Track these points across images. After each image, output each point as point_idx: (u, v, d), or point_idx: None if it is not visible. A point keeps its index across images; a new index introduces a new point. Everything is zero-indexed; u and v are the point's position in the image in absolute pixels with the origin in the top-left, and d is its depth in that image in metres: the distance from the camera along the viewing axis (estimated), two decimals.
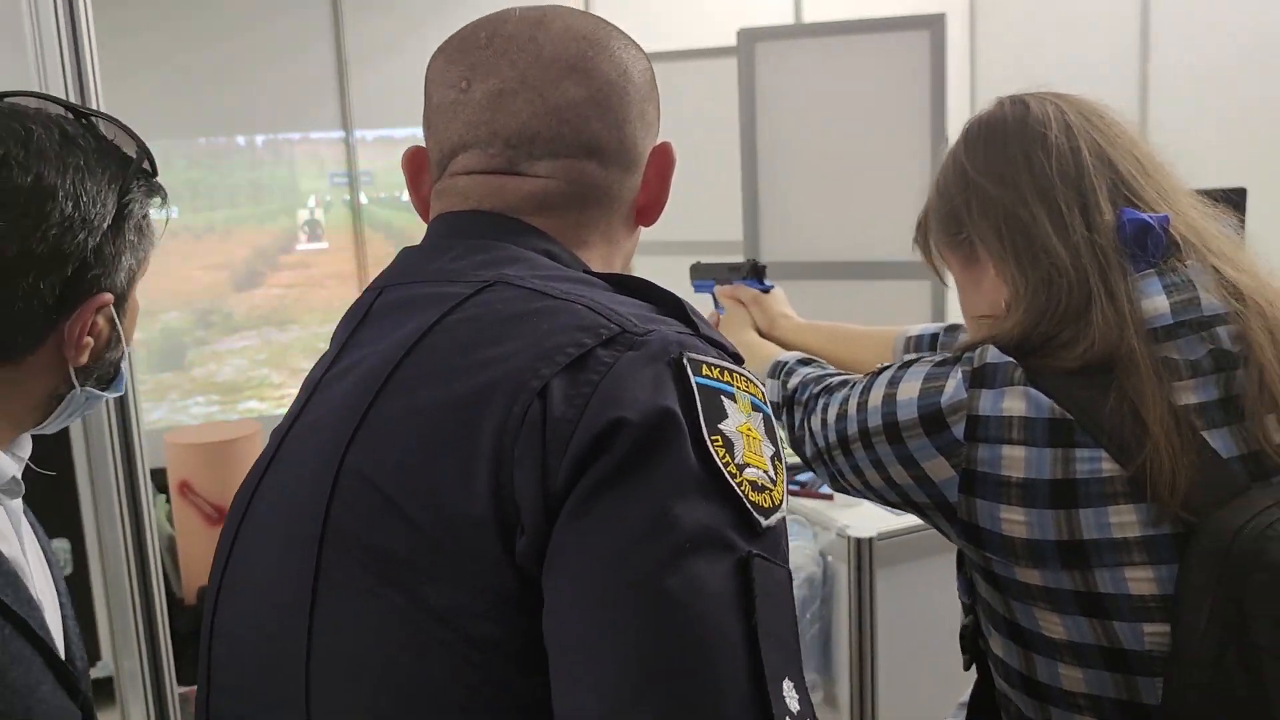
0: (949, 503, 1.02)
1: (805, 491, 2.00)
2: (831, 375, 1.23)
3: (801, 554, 1.88)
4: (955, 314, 1.26)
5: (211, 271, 4.10)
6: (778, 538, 0.66)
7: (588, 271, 0.82)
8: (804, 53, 3.50)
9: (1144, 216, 1.00)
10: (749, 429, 0.67)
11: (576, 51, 0.84)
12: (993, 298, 1.07)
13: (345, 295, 4.45)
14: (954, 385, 1.01)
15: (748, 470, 0.65)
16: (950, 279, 1.18)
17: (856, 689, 1.85)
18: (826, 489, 1.98)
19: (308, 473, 0.75)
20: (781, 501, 0.67)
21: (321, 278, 4.49)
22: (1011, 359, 0.99)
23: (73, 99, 1.61)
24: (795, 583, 1.84)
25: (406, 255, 0.88)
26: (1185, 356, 0.97)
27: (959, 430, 1.00)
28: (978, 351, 1.02)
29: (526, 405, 0.66)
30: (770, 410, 0.71)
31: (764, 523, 0.64)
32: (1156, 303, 0.98)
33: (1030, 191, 1.03)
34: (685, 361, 0.67)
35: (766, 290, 1.68)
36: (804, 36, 3.58)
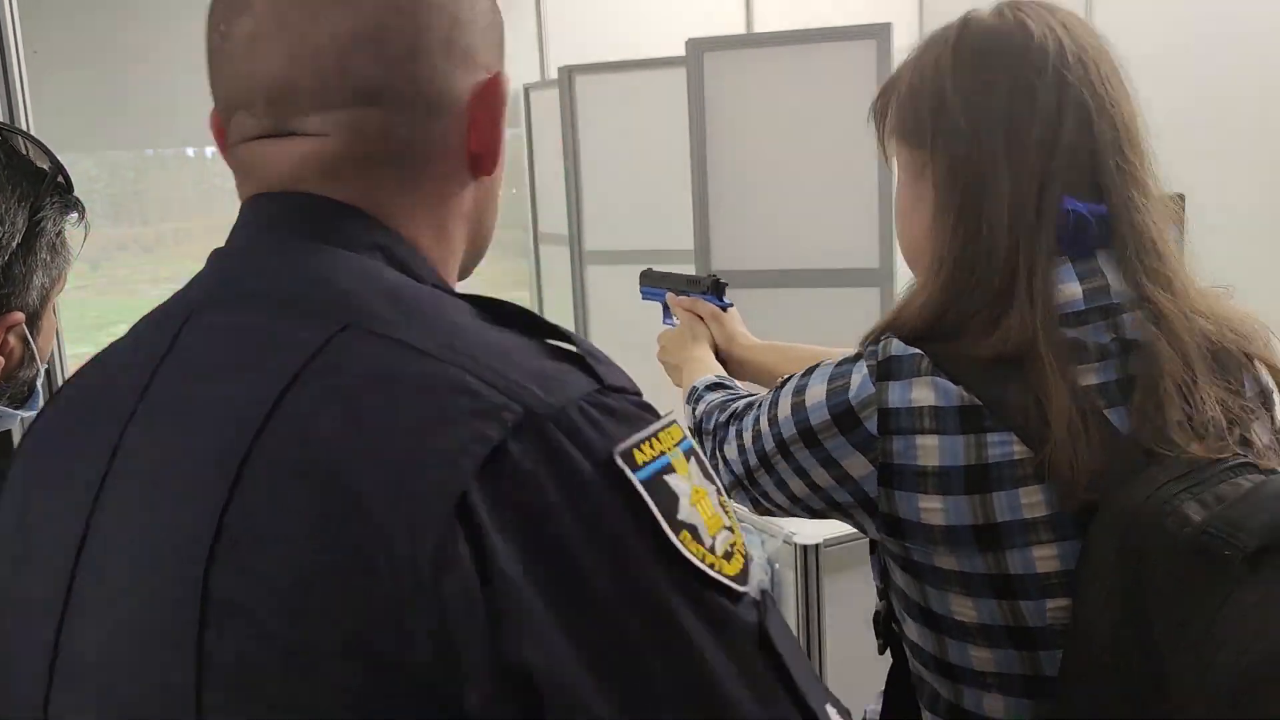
0: (870, 498, 1.03)
1: None
2: (736, 399, 1.24)
3: None
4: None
5: (161, 284, 4.06)
6: (765, 590, 0.60)
7: (439, 286, 0.70)
8: (752, 63, 3.52)
9: (1080, 208, 0.99)
10: (697, 492, 0.58)
11: None
12: (926, 227, 1.04)
13: None
14: (859, 380, 1.02)
15: (717, 543, 0.57)
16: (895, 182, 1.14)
17: None
18: None
19: (155, 580, 0.58)
20: (748, 551, 0.60)
21: None
22: (917, 350, 1.00)
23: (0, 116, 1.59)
24: None
25: (220, 263, 0.71)
26: (1093, 340, 0.98)
27: (872, 425, 1.00)
28: (880, 345, 1.03)
29: (444, 540, 0.52)
30: (693, 443, 0.63)
31: (746, 590, 0.57)
32: (1070, 289, 0.99)
33: (1000, 148, 0.99)
34: (619, 460, 0.56)
35: (725, 308, 1.67)
36: (752, 46, 3.61)
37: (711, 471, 0.62)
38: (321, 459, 0.56)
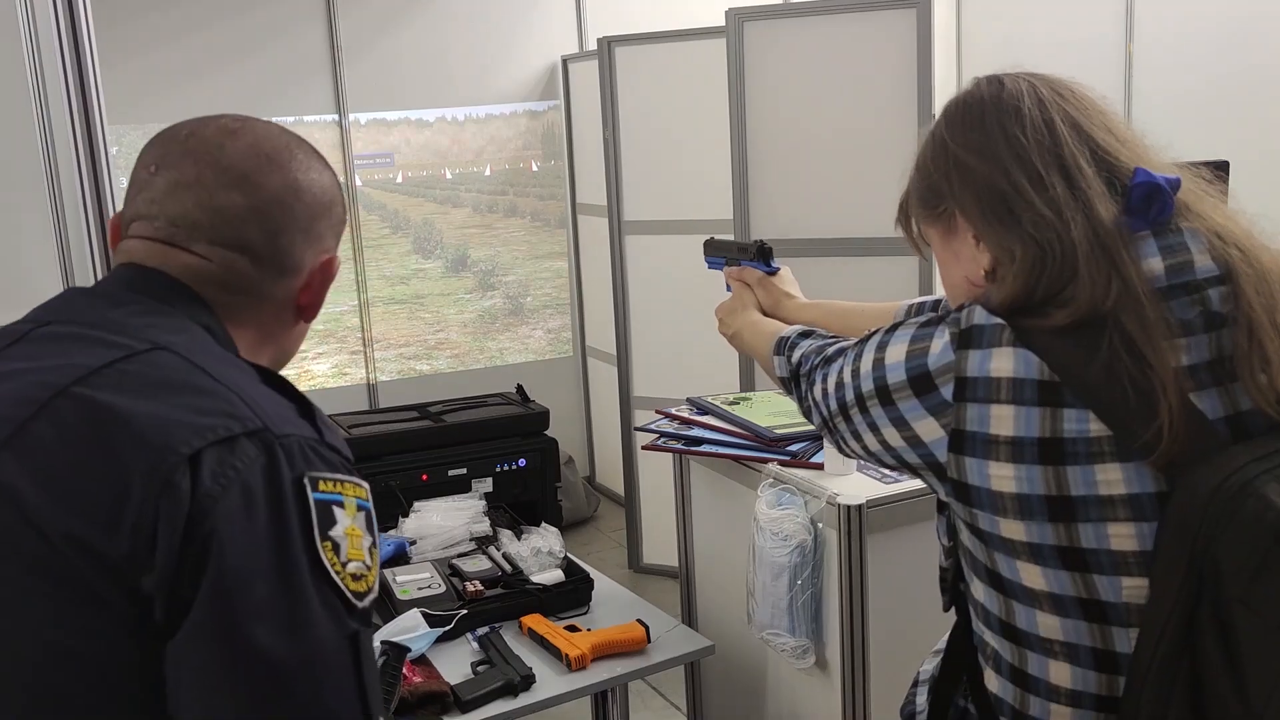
0: (939, 462, 1.06)
1: (797, 461, 2.05)
2: (829, 344, 1.28)
3: (793, 522, 1.93)
4: (941, 289, 1.30)
5: None
6: (369, 612, 0.86)
7: (238, 355, 0.95)
8: (792, 32, 3.53)
9: (1155, 177, 1.02)
10: (352, 529, 0.85)
11: (252, 166, 0.96)
12: (971, 268, 1.10)
13: (339, 278, 4.48)
14: (940, 346, 1.05)
15: (350, 564, 0.84)
16: (932, 254, 1.21)
17: (848, 654, 1.91)
18: (818, 458, 2.04)
19: None
20: (375, 584, 0.86)
21: None
22: (1000, 320, 1.02)
23: (72, 89, 1.64)
24: (787, 550, 1.91)
25: (74, 297, 0.98)
26: (1179, 317, 0.99)
27: (947, 391, 1.03)
28: (965, 313, 1.05)
29: (174, 467, 0.79)
30: (370, 505, 0.89)
31: (361, 605, 0.84)
32: (1151, 264, 1.00)
33: (1010, 161, 1.05)
34: (307, 481, 0.83)
35: (773, 272, 1.74)
36: (792, 16, 3.62)
37: (373, 528, 0.88)
38: (107, 406, 0.82)
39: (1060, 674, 1.05)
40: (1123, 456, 0.96)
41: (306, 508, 0.82)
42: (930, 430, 1.05)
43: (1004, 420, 1.00)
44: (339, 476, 0.86)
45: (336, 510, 0.84)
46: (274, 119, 3.94)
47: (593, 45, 4.33)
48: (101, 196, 1.87)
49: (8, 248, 2.12)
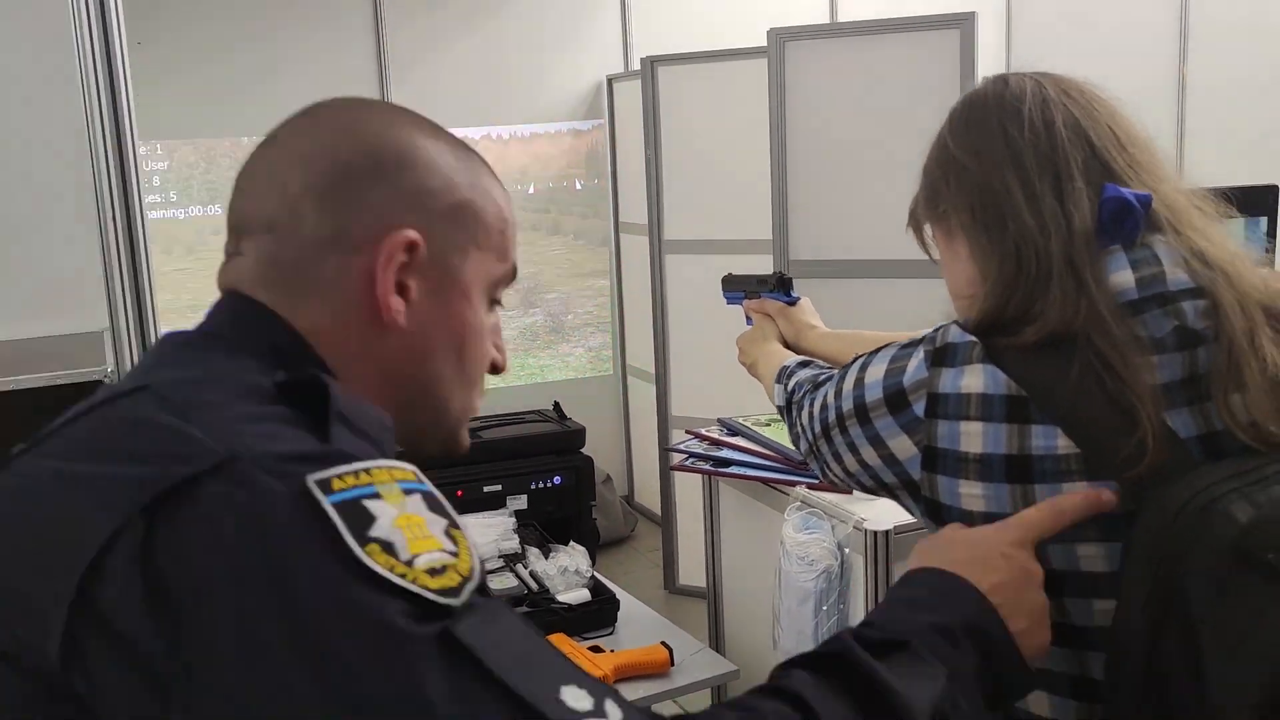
0: (914, 480, 1.05)
1: (823, 485, 2.03)
2: (821, 373, 1.28)
3: (819, 547, 1.91)
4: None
5: None
6: (476, 601, 0.65)
7: (291, 365, 0.75)
8: (834, 52, 3.52)
9: (1125, 194, 1.00)
10: (408, 518, 0.65)
11: (298, 126, 0.84)
12: (969, 274, 1.08)
13: None
14: (915, 364, 1.04)
15: (419, 559, 0.64)
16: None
17: None
18: None
19: None
20: (471, 568, 0.66)
21: None
22: (972, 337, 1.01)
23: (104, 105, 1.67)
24: (813, 575, 1.89)
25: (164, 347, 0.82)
26: (1150, 333, 0.97)
27: (919, 408, 1.03)
28: (940, 331, 1.05)
29: (118, 530, 0.62)
30: (426, 485, 0.69)
31: (455, 602, 0.63)
32: (1122, 277, 0.99)
33: (1004, 162, 1.04)
34: (311, 485, 0.63)
35: (793, 302, 1.73)
36: (834, 36, 3.60)
37: (441, 507, 0.68)
38: (64, 463, 0.68)
39: (1039, 704, 1.03)
40: (1090, 475, 0.95)
41: (323, 515, 0.62)
42: (904, 448, 1.05)
43: (973, 437, 0.99)
44: (357, 466, 0.66)
45: (371, 504, 0.65)
46: None
47: (637, 65, 4.35)
48: (130, 209, 1.90)
49: (48, 257, 2.17)
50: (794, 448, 1.28)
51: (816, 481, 2.03)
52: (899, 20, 3.42)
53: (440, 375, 0.83)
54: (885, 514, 1.88)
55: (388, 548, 0.63)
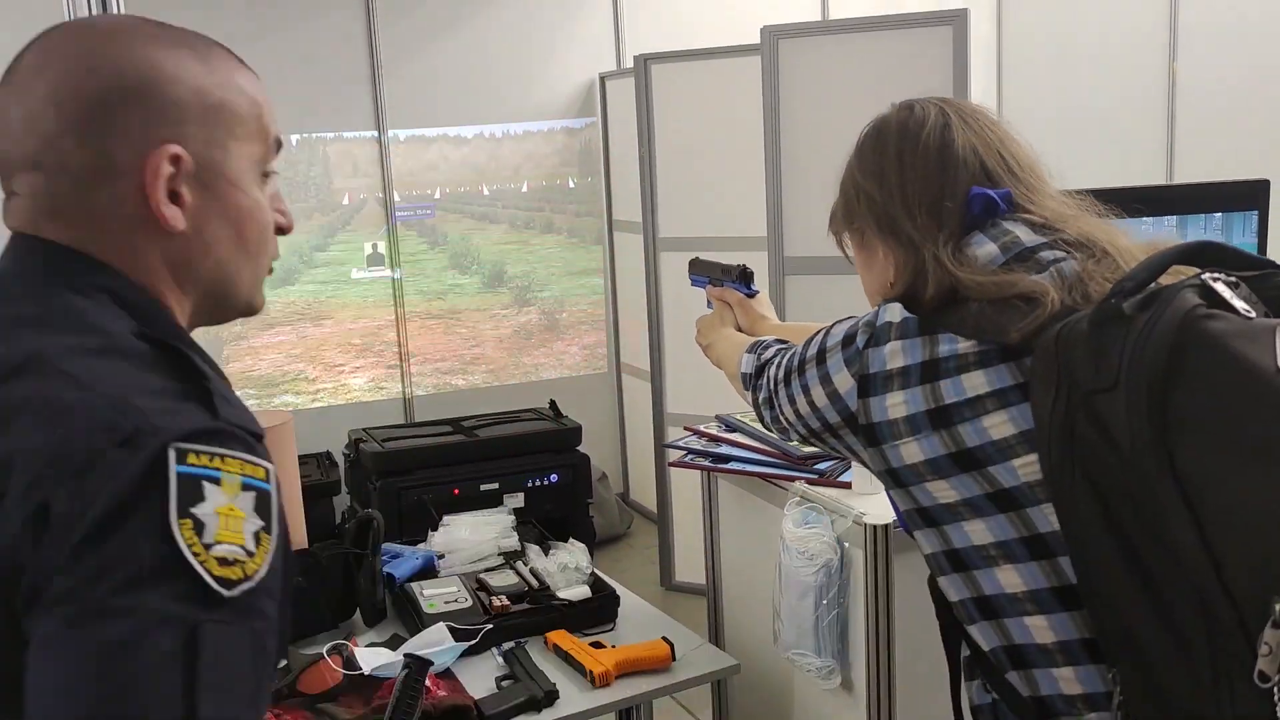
0: (852, 412, 1.23)
1: (824, 480, 2.04)
2: (793, 345, 1.45)
3: (819, 541, 1.92)
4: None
5: None
6: (249, 603, 0.72)
7: (147, 321, 0.83)
8: (826, 50, 3.53)
9: (988, 191, 1.22)
10: (230, 510, 0.73)
11: (35, 63, 0.84)
12: (883, 276, 1.30)
13: (379, 293, 4.53)
14: (868, 319, 1.25)
15: (217, 547, 0.71)
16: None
17: (874, 674, 1.89)
18: (845, 477, 2.02)
19: None
20: (256, 573, 0.73)
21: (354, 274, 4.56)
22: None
23: None
24: (813, 569, 1.90)
25: None
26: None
27: (861, 341, 1.23)
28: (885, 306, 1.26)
29: (35, 505, 0.70)
30: (270, 487, 0.76)
31: (226, 593, 0.71)
32: (986, 250, 1.20)
33: (896, 190, 1.25)
34: (169, 451, 0.71)
35: (752, 295, 1.88)
36: (827, 33, 3.62)
37: (269, 514, 0.75)
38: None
39: (1010, 579, 1.16)
40: (983, 363, 1.14)
41: (164, 480, 0.70)
42: (844, 381, 1.24)
43: (895, 354, 1.19)
44: (220, 450, 0.74)
45: (207, 486, 0.72)
46: (314, 135, 4.07)
47: (630, 63, 4.36)
48: None
49: None
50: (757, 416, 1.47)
51: (815, 477, 2.05)
52: (891, 17, 3.44)
53: (227, 258, 0.90)
54: (885, 508, 1.89)
55: (199, 528, 0.71)
